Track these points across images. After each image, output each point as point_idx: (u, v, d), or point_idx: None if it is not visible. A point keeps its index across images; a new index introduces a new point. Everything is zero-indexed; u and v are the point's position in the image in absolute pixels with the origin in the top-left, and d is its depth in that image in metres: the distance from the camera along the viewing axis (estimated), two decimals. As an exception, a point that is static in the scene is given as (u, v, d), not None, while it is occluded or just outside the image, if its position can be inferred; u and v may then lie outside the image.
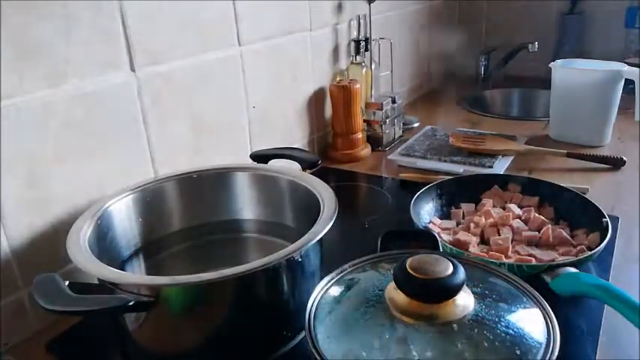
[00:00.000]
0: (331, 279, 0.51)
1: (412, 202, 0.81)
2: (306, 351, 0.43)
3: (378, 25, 1.29)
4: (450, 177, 0.93)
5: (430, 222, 0.82)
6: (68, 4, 0.64)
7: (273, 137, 1.02)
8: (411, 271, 0.44)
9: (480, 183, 0.90)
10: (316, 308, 0.48)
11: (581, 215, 0.78)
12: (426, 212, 0.84)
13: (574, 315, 0.62)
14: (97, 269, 0.52)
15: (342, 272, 0.52)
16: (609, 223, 0.72)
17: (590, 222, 0.76)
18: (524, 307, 0.49)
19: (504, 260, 0.69)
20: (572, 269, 0.61)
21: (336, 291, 0.50)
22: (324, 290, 0.50)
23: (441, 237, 0.75)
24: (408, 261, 0.46)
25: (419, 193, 0.84)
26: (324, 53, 1.16)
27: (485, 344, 0.43)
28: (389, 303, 0.46)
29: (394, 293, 0.46)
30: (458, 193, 0.88)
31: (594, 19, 1.65)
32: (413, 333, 0.44)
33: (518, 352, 0.43)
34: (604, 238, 0.69)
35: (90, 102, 0.68)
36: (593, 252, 0.67)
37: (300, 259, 0.53)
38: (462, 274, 0.45)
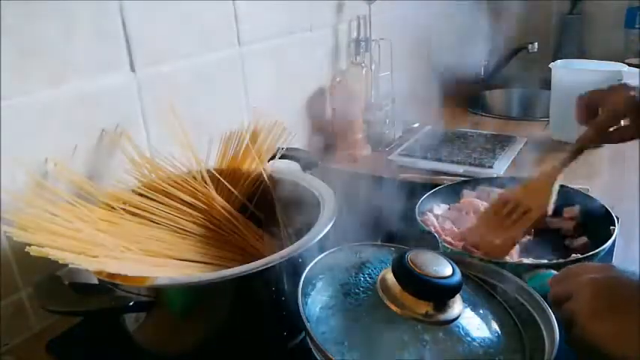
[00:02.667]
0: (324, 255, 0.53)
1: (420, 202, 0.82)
2: (305, 351, 0.43)
3: (378, 25, 1.29)
4: (460, 178, 0.93)
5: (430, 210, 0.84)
6: (68, 4, 0.64)
7: (273, 137, 1.02)
8: (411, 266, 0.44)
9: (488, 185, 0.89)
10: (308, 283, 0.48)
11: (588, 217, 0.78)
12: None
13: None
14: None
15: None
16: (616, 228, 0.72)
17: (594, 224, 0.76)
18: (520, 311, 0.50)
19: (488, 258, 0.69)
20: (551, 270, 0.61)
21: (328, 268, 0.51)
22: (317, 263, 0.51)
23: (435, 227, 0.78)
24: (409, 255, 0.46)
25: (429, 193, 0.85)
26: (324, 54, 1.16)
27: (468, 349, 0.43)
28: (379, 286, 0.47)
29: (389, 281, 0.46)
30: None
31: (594, 20, 1.66)
32: (400, 324, 0.44)
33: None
34: (606, 241, 0.69)
35: (90, 102, 0.68)
36: (583, 256, 0.67)
37: (300, 260, 0.53)
38: (459, 277, 0.45)
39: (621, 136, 0.66)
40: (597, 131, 0.66)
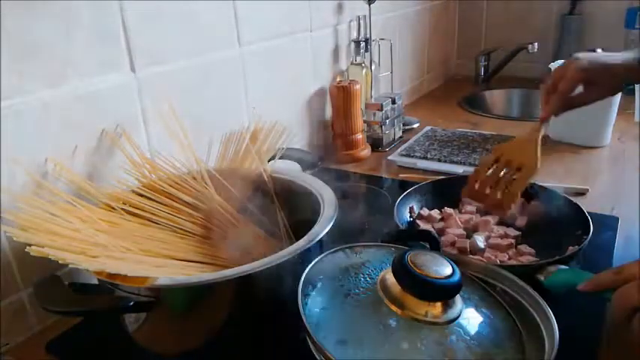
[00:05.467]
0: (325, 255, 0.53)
1: (398, 200, 0.82)
2: (305, 351, 0.43)
3: (378, 25, 1.29)
4: (443, 177, 0.93)
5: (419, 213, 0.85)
6: (68, 4, 0.64)
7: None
8: (411, 266, 0.45)
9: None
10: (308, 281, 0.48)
11: (568, 217, 0.77)
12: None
13: (574, 315, 0.62)
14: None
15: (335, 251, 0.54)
16: (590, 227, 0.71)
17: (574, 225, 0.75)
18: (520, 311, 0.50)
19: (498, 262, 0.69)
20: (564, 266, 0.61)
21: (330, 268, 0.51)
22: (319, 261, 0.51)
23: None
24: (409, 255, 0.46)
25: (407, 192, 0.85)
26: (324, 54, 1.16)
27: (468, 349, 0.43)
28: (379, 286, 0.47)
29: (389, 281, 0.46)
30: (445, 194, 0.87)
31: (594, 20, 1.66)
32: (398, 324, 0.44)
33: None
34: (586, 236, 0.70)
35: (90, 102, 0.68)
36: (580, 247, 0.67)
37: (300, 260, 0.53)
38: (459, 277, 0.45)
39: (582, 100, 0.75)
40: (561, 97, 0.74)
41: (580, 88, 0.75)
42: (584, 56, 0.74)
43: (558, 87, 0.74)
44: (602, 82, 0.74)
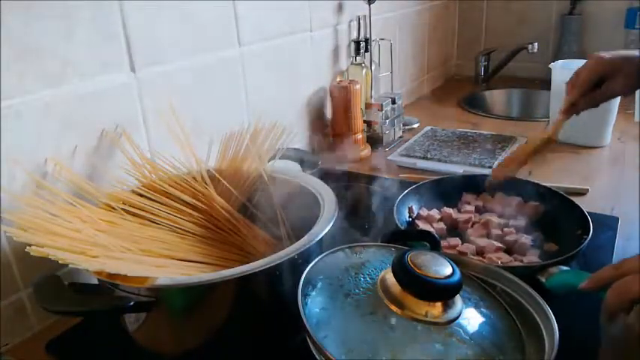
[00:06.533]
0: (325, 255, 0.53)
1: (398, 200, 0.82)
2: (305, 351, 0.43)
3: (378, 25, 1.29)
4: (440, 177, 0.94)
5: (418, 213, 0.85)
6: (68, 4, 0.64)
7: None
8: (411, 266, 0.45)
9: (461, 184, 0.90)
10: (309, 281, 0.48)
11: (568, 217, 0.77)
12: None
13: (574, 315, 0.62)
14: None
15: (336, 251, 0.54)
16: (590, 227, 0.72)
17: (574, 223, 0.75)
18: (520, 311, 0.50)
19: (499, 262, 0.69)
20: (565, 267, 0.61)
21: (329, 267, 0.51)
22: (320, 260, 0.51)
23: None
24: (409, 255, 0.46)
25: (406, 191, 0.85)
26: (325, 54, 1.16)
27: (469, 349, 0.43)
28: (379, 286, 0.47)
29: (389, 281, 0.46)
30: (445, 194, 0.88)
31: (594, 20, 1.66)
32: (398, 324, 0.44)
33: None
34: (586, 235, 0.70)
35: (90, 102, 0.68)
36: (580, 247, 0.67)
37: (300, 260, 0.53)
38: (459, 277, 0.45)
39: (605, 94, 0.77)
40: (582, 88, 0.76)
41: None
42: (605, 52, 0.76)
43: (579, 78, 0.75)
44: (623, 75, 0.75)
